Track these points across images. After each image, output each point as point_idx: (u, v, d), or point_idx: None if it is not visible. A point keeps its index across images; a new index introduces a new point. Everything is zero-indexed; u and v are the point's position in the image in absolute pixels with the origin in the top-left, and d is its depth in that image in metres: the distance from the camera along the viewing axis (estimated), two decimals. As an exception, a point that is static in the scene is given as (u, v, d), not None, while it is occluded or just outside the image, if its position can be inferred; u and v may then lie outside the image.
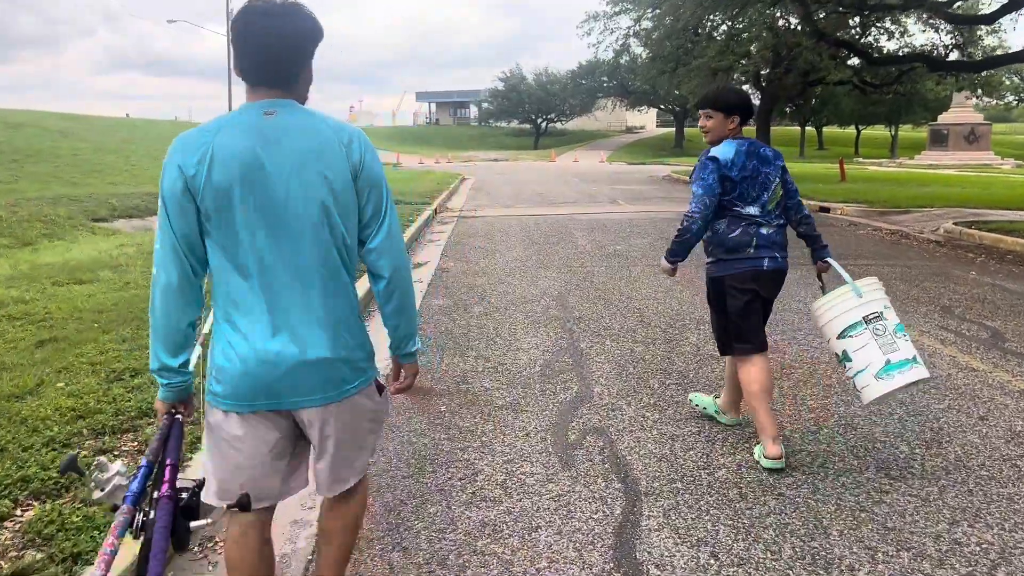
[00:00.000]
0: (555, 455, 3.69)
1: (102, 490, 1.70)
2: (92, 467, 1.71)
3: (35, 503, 2.98)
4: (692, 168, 3.71)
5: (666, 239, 11.05)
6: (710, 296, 3.79)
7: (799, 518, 3.05)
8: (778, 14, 22.36)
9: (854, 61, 25.58)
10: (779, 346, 5.50)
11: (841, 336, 3.48)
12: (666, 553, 2.81)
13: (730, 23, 24.54)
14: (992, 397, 4.44)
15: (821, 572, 2.67)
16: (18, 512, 2.92)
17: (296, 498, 3.19)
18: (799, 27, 21.73)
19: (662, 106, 61.29)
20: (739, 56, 24.27)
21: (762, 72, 28.37)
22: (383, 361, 2.31)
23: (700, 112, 3.69)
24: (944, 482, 3.37)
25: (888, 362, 3.37)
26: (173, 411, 2.02)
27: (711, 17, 23.98)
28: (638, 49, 34.48)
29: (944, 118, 41.54)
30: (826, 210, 15.63)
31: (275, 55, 1.85)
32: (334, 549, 2.22)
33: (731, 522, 3.03)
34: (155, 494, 1.75)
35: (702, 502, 3.20)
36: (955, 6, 19.50)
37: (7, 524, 2.84)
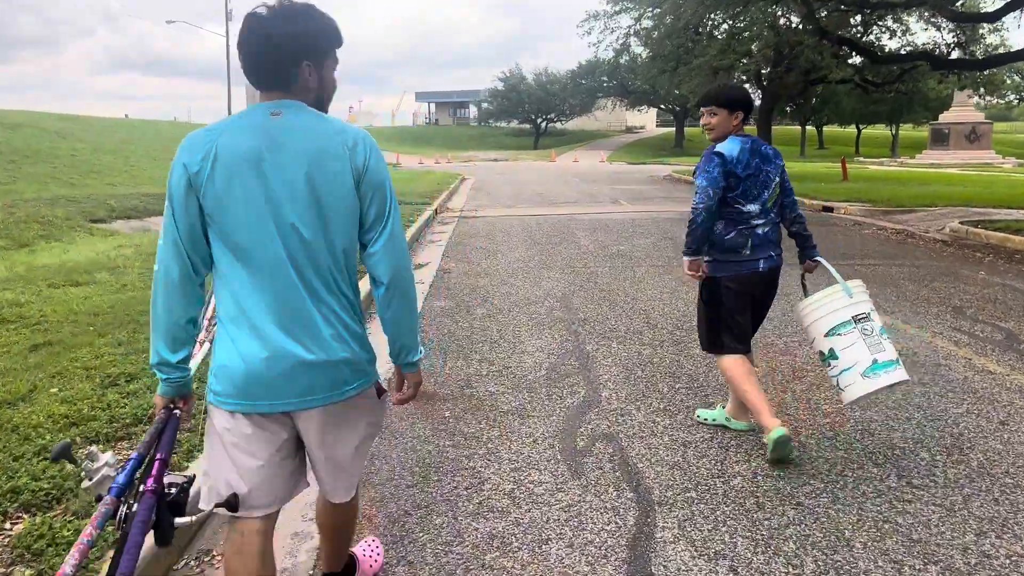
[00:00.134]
0: (564, 463, 3.57)
1: (90, 479, 1.71)
2: (83, 456, 1.72)
3: (25, 516, 2.86)
4: (693, 168, 3.70)
5: (669, 239, 11.02)
6: (702, 294, 3.82)
7: (820, 529, 2.93)
8: (779, 12, 22.23)
9: (856, 60, 25.46)
10: (790, 348, 5.39)
11: (829, 334, 3.52)
12: (683, 567, 2.70)
13: (731, 22, 24.43)
14: (1011, 401, 4.32)
15: (846, 587, 2.56)
16: (7, 526, 2.80)
17: (297, 509, 3.09)
18: (801, 25, 21.61)
19: (662, 106, 61.10)
20: (740, 55, 24.14)
21: (763, 71, 28.25)
22: (385, 364, 2.22)
23: (703, 109, 3.67)
24: (968, 490, 3.25)
25: (875, 361, 3.40)
26: (172, 406, 2.03)
27: (712, 16, 23.87)
28: (638, 49, 34.37)
29: (945, 117, 41.42)
30: (829, 209, 15.52)
31: (263, 58, 1.87)
32: (336, 544, 2.38)
33: (749, 534, 2.91)
34: (141, 487, 1.75)
35: (718, 512, 3.08)
36: (958, 4, 19.39)
37: (-5, 538, 2.72)
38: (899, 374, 3.42)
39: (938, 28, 23.37)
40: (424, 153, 48.11)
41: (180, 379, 2.00)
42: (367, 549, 2.70)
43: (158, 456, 1.84)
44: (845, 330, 3.47)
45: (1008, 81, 31.51)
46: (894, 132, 57.40)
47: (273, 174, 1.83)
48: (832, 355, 3.51)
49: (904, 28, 25.00)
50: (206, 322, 2.70)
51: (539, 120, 66.70)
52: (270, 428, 1.95)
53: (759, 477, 3.39)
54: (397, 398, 2.16)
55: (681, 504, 3.15)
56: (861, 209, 15.19)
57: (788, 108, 48.40)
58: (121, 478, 1.72)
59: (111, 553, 1.57)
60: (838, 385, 3.53)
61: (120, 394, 4.03)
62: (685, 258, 3.72)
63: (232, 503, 1.91)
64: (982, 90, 25.78)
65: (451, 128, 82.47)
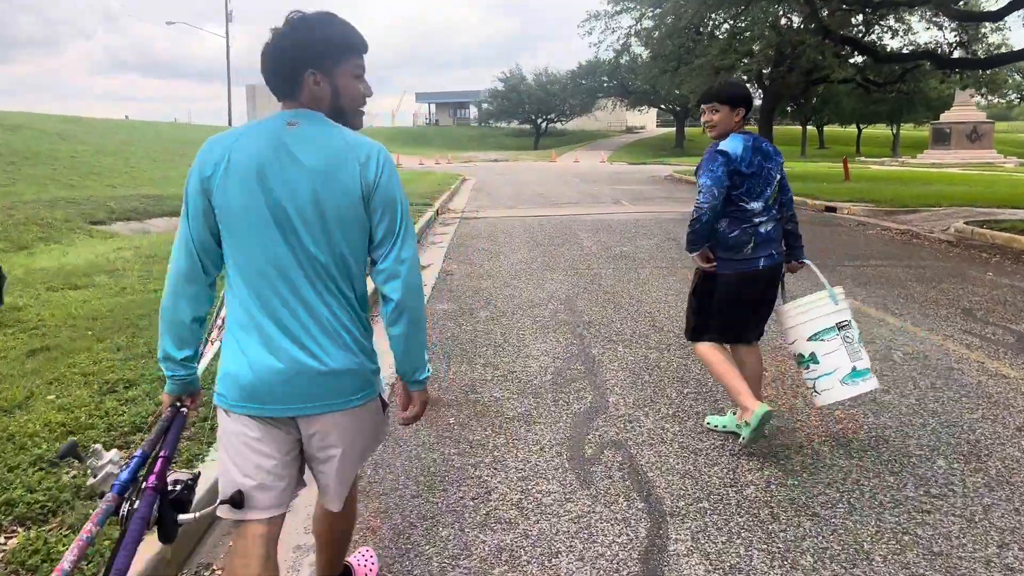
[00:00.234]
0: (572, 472, 3.49)
1: (95, 476, 1.72)
2: (88, 453, 1.73)
3: (20, 530, 2.78)
4: (695, 167, 3.69)
5: (672, 240, 10.93)
6: (696, 285, 3.81)
7: (838, 542, 2.85)
8: (781, 12, 22.14)
9: (857, 59, 25.37)
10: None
11: (812, 338, 3.60)
12: (698, 582, 2.61)
13: (732, 22, 24.34)
14: (1027, 406, 4.24)
15: (867, 603, 2.48)
16: (1, 540, 2.72)
17: (299, 522, 3.01)
18: (803, 25, 21.52)
19: (662, 106, 61.02)
20: (742, 55, 24.05)
21: (764, 71, 28.16)
22: (387, 369, 2.15)
23: (704, 107, 3.64)
24: (988, 500, 3.17)
25: (854, 369, 3.54)
26: (178, 404, 2.04)
27: (713, 16, 23.77)
28: (639, 49, 34.26)
29: (947, 116, 41.32)
30: (832, 210, 15.44)
31: (272, 66, 1.90)
32: (331, 553, 2.35)
33: (765, 546, 2.83)
34: (143, 484, 1.76)
35: (732, 523, 3.00)
36: (960, 3, 19.30)
37: (-11, 553, 2.64)
38: (873, 382, 3.58)
39: (940, 27, 23.30)
40: (424, 154, 48.04)
41: (185, 377, 2.01)
42: (362, 559, 2.66)
43: (162, 454, 1.85)
44: (828, 336, 3.56)
45: (1010, 80, 31.41)
46: (895, 132, 57.29)
47: (279, 185, 1.83)
48: (813, 359, 3.60)
49: (906, 27, 24.89)
50: (220, 321, 2.67)
51: (539, 120, 66.61)
52: (276, 431, 1.95)
53: (773, 486, 3.31)
54: (403, 417, 2.10)
55: (694, 515, 3.07)
56: (864, 209, 15.11)
57: (789, 108, 48.30)
58: (124, 475, 1.72)
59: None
60: (814, 388, 3.63)
61: (118, 401, 3.95)
62: (692, 254, 3.72)
63: (237, 500, 1.90)
64: (984, 89, 25.63)
65: (451, 128, 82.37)
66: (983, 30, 23.56)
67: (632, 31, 31.51)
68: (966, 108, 40.34)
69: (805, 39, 20.70)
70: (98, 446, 1.77)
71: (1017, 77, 33.16)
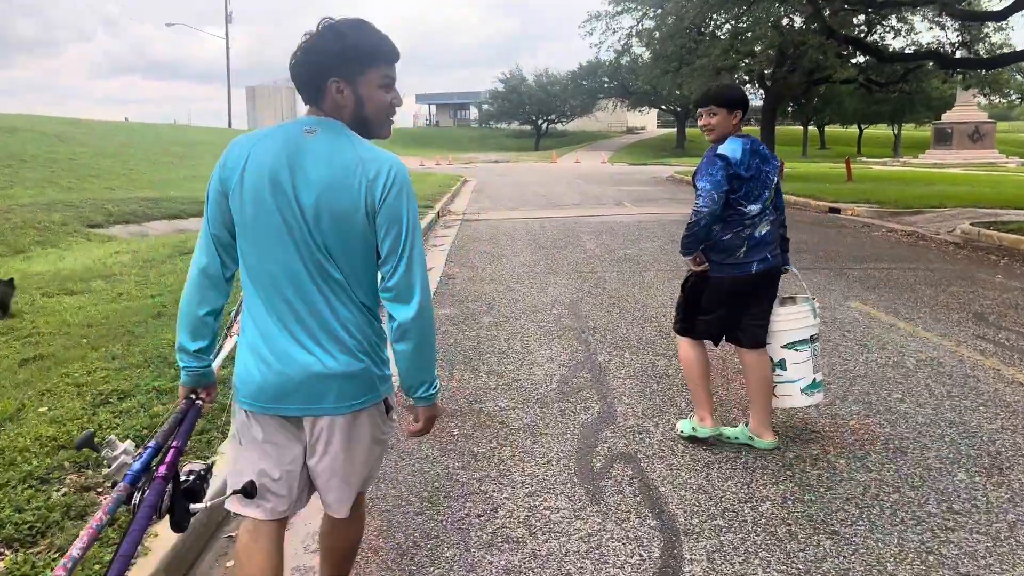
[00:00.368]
0: (581, 486, 3.37)
1: (109, 466, 1.76)
2: (103, 444, 1.76)
3: (7, 552, 2.66)
4: (693, 172, 3.69)
5: (676, 242, 10.75)
6: (686, 284, 3.81)
7: (860, 562, 2.73)
8: (783, 12, 22.02)
9: (860, 59, 25.25)
10: (809, 359, 5.18)
11: (787, 346, 3.72)
12: (715, 606, 2.50)
13: (734, 22, 24.21)
14: (1047, 415, 4.12)
15: (894, 630, 2.36)
16: (-14, 563, 2.61)
17: (299, 540, 2.90)
18: (805, 25, 21.41)
19: (663, 107, 60.90)
20: (743, 55, 23.94)
21: (766, 71, 28.03)
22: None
23: (701, 110, 3.62)
24: (1013, 516, 3.05)
25: (814, 380, 3.76)
26: (193, 396, 2.06)
27: (714, 16, 23.65)
28: (639, 49, 34.13)
29: (948, 117, 41.20)
30: (836, 211, 15.32)
31: (297, 72, 1.91)
32: (336, 570, 2.29)
33: (784, 567, 2.71)
34: (155, 474, 1.79)
35: (748, 542, 2.88)
36: (963, 3, 19.18)
37: (-27, 578, 2.53)
38: (822, 396, 3.87)
39: (942, 27, 23.17)
40: (425, 155, 47.89)
41: (198, 368, 2.02)
42: None
43: (174, 444, 1.87)
44: (803, 348, 3.71)
45: (1012, 80, 31.28)
46: (896, 132, 57.16)
47: (288, 193, 1.84)
48: (781, 365, 3.73)
49: (908, 27, 24.77)
50: (239, 317, 2.64)
51: (540, 121, 66.46)
52: (289, 429, 1.98)
53: (789, 502, 3.19)
54: (409, 432, 2.09)
55: (708, 533, 2.95)
56: (868, 210, 14.99)
57: (790, 108, 48.19)
58: (136, 465, 1.75)
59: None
60: (773, 392, 3.78)
61: (112, 413, 3.83)
62: (685, 257, 3.72)
63: (249, 491, 1.91)
64: (987, 89, 25.53)
65: (452, 129, 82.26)
66: (985, 30, 23.46)
67: (633, 31, 31.35)
68: (968, 108, 40.21)
69: (807, 39, 20.60)
70: (112, 437, 1.81)
71: (1019, 77, 33.05)
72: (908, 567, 2.70)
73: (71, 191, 17.55)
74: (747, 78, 28.05)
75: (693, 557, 2.79)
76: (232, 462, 2.07)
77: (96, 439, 1.77)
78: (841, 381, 4.72)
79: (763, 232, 3.59)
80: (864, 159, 45.46)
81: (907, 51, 23.87)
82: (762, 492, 3.28)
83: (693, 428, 3.81)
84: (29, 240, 11.61)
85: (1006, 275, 8.29)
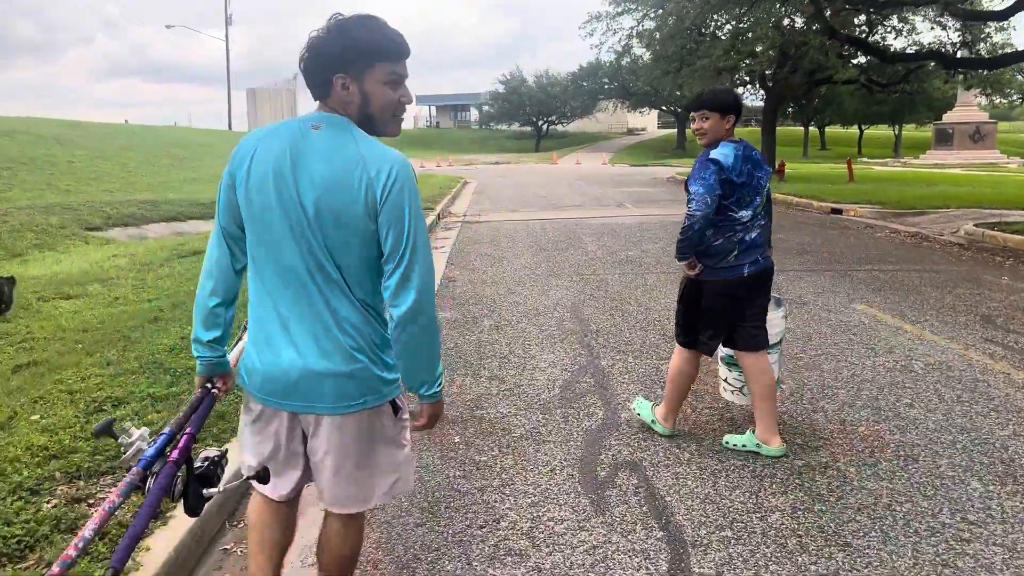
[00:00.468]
0: (585, 496, 3.29)
1: (125, 452, 1.79)
2: (120, 431, 1.80)
3: (-6, 567, 2.58)
4: (687, 177, 3.68)
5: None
6: (682, 292, 3.81)
7: (874, 576, 2.65)
8: (784, 12, 21.95)
9: (861, 59, 25.17)
10: (816, 362, 5.11)
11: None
12: (725, 623, 2.42)
13: (735, 22, 24.13)
14: (1060, 421, 4.04)
15: (911, 648, 2.28)
16: (-27, 579, 2.53)
17: (296, 554, 2.82)
18: (806, 25, 21.33)
19: (664, 108, 60.80)
20: (744, 56, 23.84)
21: (767, 72, 27.94)
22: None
23: (694, 114, 3.62)
24: (1030, 527, 2.97)
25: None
26: (209, 385, 2.09)
27: (715, 17, 23.56)
28: (640, 50, 34.03)
29: (949, 117, 41.12)
30: (838, 212, 15.23)
31: (304, 68, 1.91)
32: None
33: (795, 581, 2.63)
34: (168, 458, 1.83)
35: (758, 555, 2.80)
36: (965, 2, 19.11)
37: (-41, 594, 2.45)
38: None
39: (944, 27, 23.09)
40: (425, 156, 47.80)
41: (211, 358, 2.05)
42: None
43: (187, 431, 1.89)
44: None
45: (1014, 80, 31.21)
46: (897, 132, 57.07)
47: (290, 189, 1.85)
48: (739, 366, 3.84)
49: (910, 28, 24.69)
50: None
51: (540, 122, 66.37)
52: (278, 422, 2.02)
53: (799, 512, 3.11)
54: (413, 425, 2.11)
55: (717, 545, 2.87)
56: (871, 211, 14.90)
57: (790, 109, 48.10)
58: (151, 451, 1.77)
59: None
60: (725, 381, 4.02)
61: (106, 421, 3.75)
62: (680, 262, 3.72)
63: (263, 476, 1.94)
64: (989, 90, 25.44)
65: (452, 131, 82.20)
66: (987, 30, 23.38)
67: (634, 32, 31.20)
68: (969, 108, 40.12)
69: (809, 39, 20.53)
70: (128, 425, 1.85)
71: (1020, 78, 32.97)
72: (924, 581, 2.61)
73: (69, 194, 17.47)
74: (748, 79, 27.95)
75: (702, 570, 2.71)
76: (241, 447, 2.14)
77: (115, 428, 1.81)
78: (849, 386, 4.63)
79: (754, 235, 3.60)
80: (865, 160, 45.36)
81: (909, 51, 23.79)
82: (771, 502, 3.20)
83: (653, 420, 3.93)
84: (26, 243, 11.53)
85: (1012, 276, 8.20)
